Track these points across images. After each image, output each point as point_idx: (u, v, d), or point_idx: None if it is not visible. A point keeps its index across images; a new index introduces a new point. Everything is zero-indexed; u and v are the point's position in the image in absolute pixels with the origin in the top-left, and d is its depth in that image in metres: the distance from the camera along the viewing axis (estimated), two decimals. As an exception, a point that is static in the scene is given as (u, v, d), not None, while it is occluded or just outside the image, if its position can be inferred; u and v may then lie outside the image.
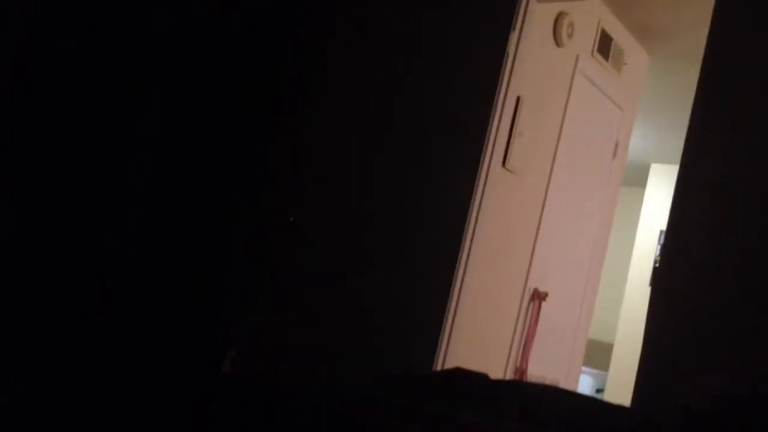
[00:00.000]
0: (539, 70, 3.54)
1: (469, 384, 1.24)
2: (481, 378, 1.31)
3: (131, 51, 2.68)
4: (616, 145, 4.30)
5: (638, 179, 6.49)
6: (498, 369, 3.59)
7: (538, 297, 3.75)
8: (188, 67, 2.84)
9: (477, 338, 3.38)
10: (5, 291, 2.28)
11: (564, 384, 4.04)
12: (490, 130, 3.00)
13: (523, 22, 3.03)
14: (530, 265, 3.71)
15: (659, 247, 5.98)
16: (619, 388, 5.71)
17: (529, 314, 3.72)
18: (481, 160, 2.98)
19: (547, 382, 3.92)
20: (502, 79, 3.00)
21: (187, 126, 2.91)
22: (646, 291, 5.73)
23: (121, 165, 2.71)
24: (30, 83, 2.55)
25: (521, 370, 3.69)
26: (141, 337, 2.56)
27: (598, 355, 6.09)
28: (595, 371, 6.10)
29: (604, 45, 4.03)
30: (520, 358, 3.69)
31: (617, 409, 1.18)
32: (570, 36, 3.69)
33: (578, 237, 4.09)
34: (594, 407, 1.16)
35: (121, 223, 2.66)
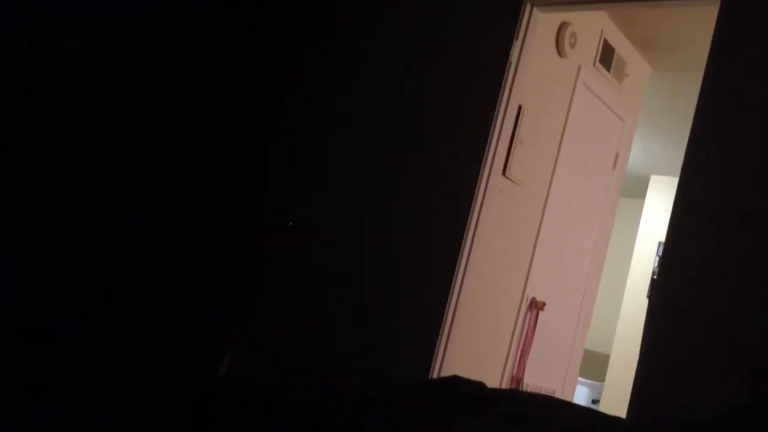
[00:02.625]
0: (541, 79, 3.54)
1: (466, 392, 1.24)
2: (477, 386, 1.31)
3: (132, 51, 2.67)
4: (617, 156, 4.31)
5: (638, 190, 6.49)
6: (494, 378, 3.58)
7: (536, 306, 3.74)
8: (188, 67, 2.83)
9: (474, 346, 3.38)
10: (5, 291, 2.28)
11: (560, 394, 4.04)
12: (491, 139, 3.00)
13: (526, 31, 3.04)
14: (528, 273, 3.71)
15: (657, 259, 5.98)
16: (615, 399, 5.70)
17: (527, 323, 3.72)
18: (482, 168, 2.98)
19: (543, 392, 3.91)
20: (504, 88, 3.01)
21: (187, 126, 2.90)
22: (643, 302, 5.73)
23: (121, 165, 2.70)
24: (30, 83, 2.54)
25: (517, 380, 3.68)
26: (141, 337, 2.56)
27: (595, 366, 6.08)
28: (591, 382, 6.09)
29: (606, 56, 4.04)
30: (516, 367, 3.69)
31: (613, 420, 1.18)
32: (572, 46, 3.70)
33: (577, 247, 4.09)
34: (590, 418, 1.16)
35: (121, 223, 2.65)
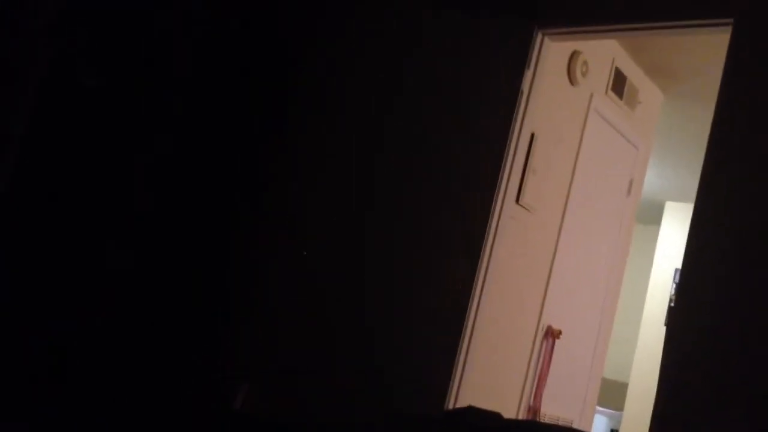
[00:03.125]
0: (553, 107, 3.55)
1: (483, 423, 1.23)
2: (494, 417, 1.30)
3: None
4: (631, 183, 4.29)
5: (653, 217, 6.45)
6: (511, 407, 3.54)
7: (552, 334, 3.71)
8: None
9: (490, 375, 3.35)
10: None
11: (578, 424, 3.98)
12: (504, 167, 3.00)
13: (537, 60, 3.06)
14: (544, 301, 3.69)
15: (674, 286, 5.92)
16: (635, 428, 5.62)
17: (543, 352, 3.68)
18: (495, 196, 2.98)
19: (561, 422, 3.86)
20: (517, 116, 3.02)
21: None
22: (661, 330, 5.66)
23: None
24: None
25: (534, 409, 3.64)
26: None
27: (613, 394, 6.00)
28: (609, 411, 6.01)
29: (618, 83, 4.05)
30: (533, 396, 3.65)
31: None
32: (584, 74, 3.72)
33: (592, 274, 4.07)
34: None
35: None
